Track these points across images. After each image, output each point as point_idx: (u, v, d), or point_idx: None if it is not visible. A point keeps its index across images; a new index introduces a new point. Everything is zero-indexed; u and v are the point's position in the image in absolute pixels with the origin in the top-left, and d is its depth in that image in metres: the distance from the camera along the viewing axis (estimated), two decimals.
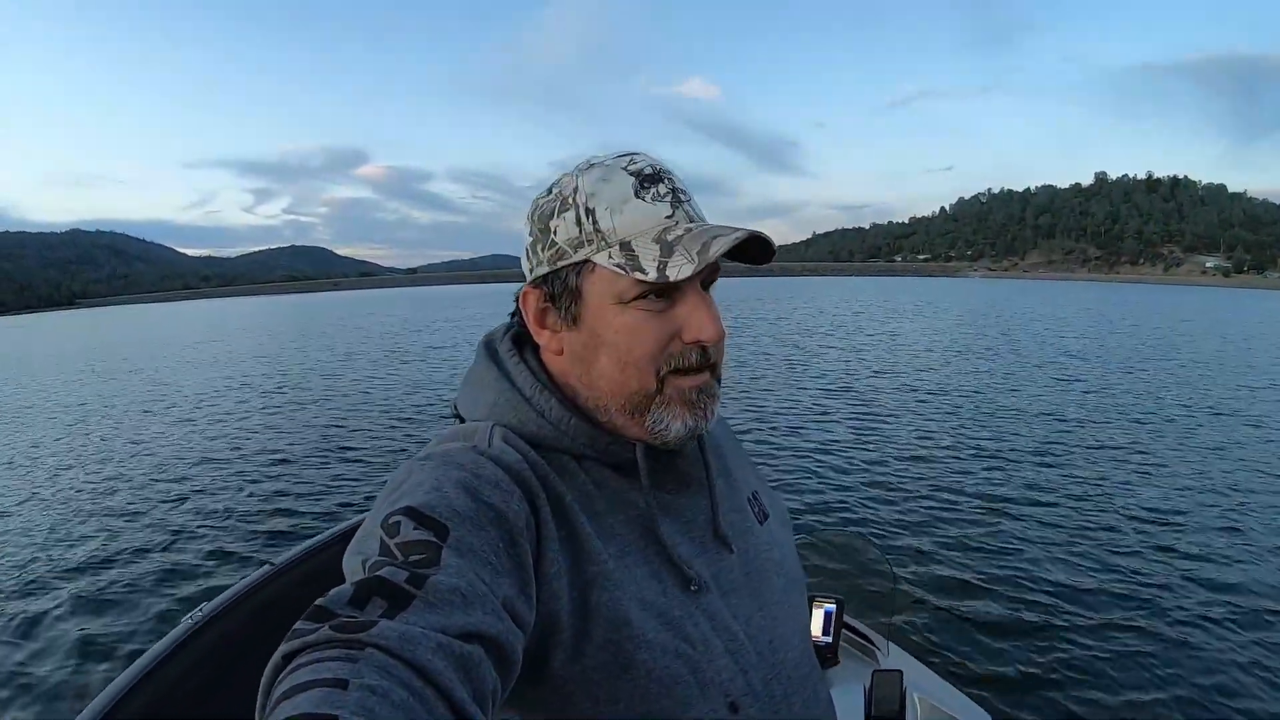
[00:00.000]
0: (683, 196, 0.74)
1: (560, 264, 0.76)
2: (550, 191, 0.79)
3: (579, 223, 0.74)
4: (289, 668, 0.45)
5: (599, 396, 0.77)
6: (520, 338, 0.86)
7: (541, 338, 0.80)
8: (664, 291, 0.72)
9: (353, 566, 0.60)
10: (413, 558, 0.56)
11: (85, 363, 24.81)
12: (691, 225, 0.72)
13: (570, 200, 0.75)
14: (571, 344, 0.78)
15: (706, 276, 0.75)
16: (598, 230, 0.73)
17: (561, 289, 0.77)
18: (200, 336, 36.83)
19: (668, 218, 0.72)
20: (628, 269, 0.71)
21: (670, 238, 0.71)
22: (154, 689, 1.57)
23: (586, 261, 0.74)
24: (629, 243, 0.72)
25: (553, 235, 0.76)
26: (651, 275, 0.69)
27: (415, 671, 0.45)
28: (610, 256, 0.72)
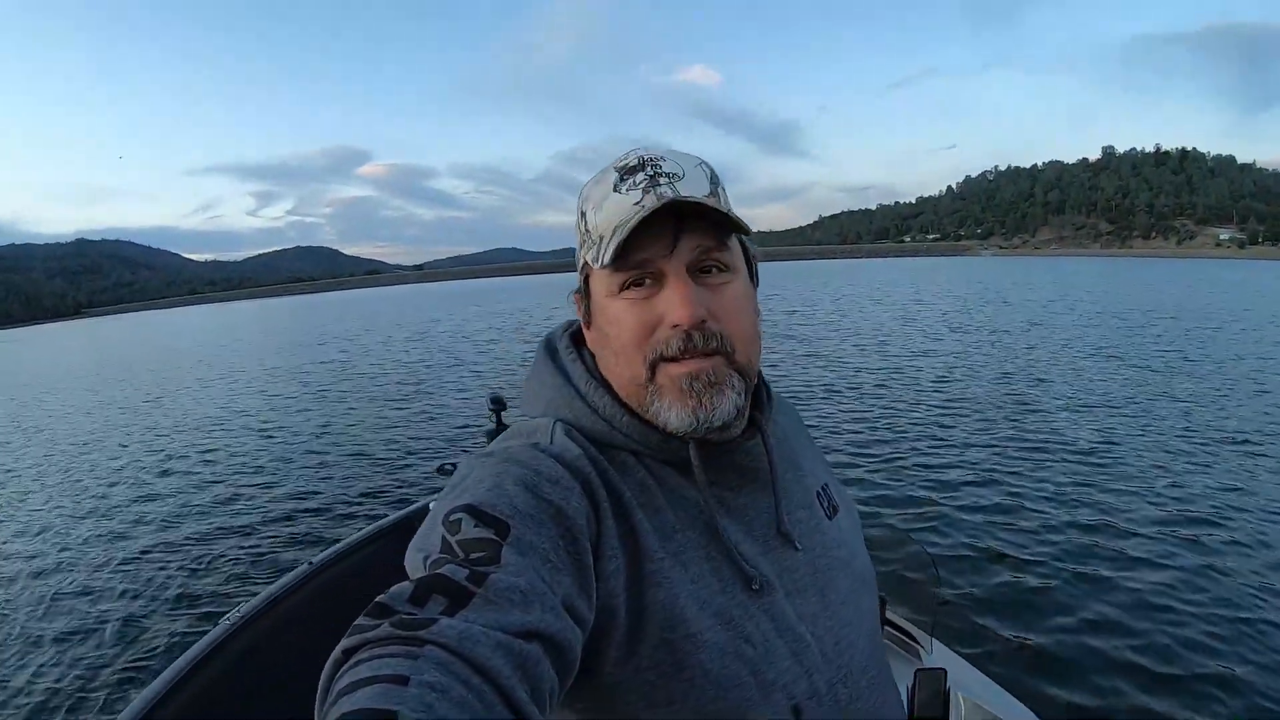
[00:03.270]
0: (663, 180, 0.72)
1: (579, 267, 0.80)
2: None
3: (579, 226, 0.77)
4: (350, 663, 0.45)
5: (618, 390, 0.78)
6: (580, 335, 0.86)
7: (586, 336, 0.83)
8: (646, 279, 0.73)
9: (414, 563, 0.60)
10: (473, 555, 0.56)
11: (99, 373, 24.68)
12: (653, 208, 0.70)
13: (578, 206, 0.78)
14: (594, 340, 0.81)
15: (695, 258, 0.73)
16: (587, 230, 0.75)
17: (584, 289, 0.80)
18: (214, 340, 36.95)
19: (635, 204, 0.71)
20: (594, 262, 0.74)
21: (621, 224, 0.71)
22: (194, 689, 1.59)
23: (585, 262, 0.77)
24: (602, 237, 0.73)
25: (576, 242, 0.80)
26: (598, 264, 0.72)
27: (475, 669, 0.45)
28: (593, 254, 0.74)
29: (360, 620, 0.49)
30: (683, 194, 0.71)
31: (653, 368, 0.73)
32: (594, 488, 0.70)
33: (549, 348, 0.87)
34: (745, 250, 0.80)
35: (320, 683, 0.46)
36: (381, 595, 0.51)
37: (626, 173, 0.74)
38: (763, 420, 0.81)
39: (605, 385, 0.79)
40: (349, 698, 0.41)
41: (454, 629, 0.47)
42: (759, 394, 0.86)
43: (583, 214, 0.76)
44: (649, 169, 0.73)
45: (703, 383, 0.72)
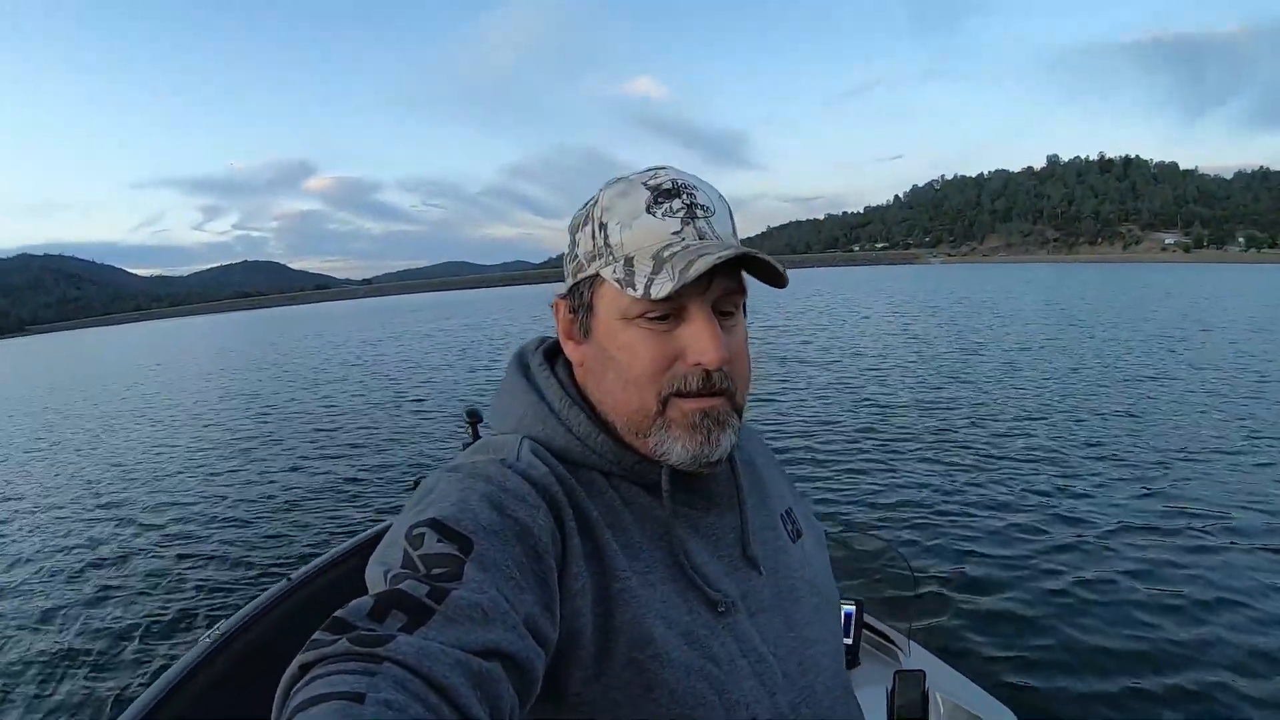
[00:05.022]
0: (700, 213, 0.72)
1: (579, 276, 0.77)
2: (585, 204, 0.78)
3: (593, 236, 0.75)
4: (305, 679, 0.44)
5: (608, 413, 0.76)
6: (553, 350, 0.85)
7: (568, 349, 0.80)
8: (670, 312, 0.71)
9: (375, 576, 0.59)
10: (435, 571, 0.55)
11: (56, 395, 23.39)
12: (695, 243, 0.70)
13: (591, 214, 0.76)
14: (586, 357, 0.78)
15: (717, 297, 0.72)
16: (608, 244, 0.73)
17: (579, 301, 0.77)
18: (164, 359, 36.45)
19: (674, 234, 0.71)
20: (623, 284, 0.70)
21: (666, 254, 0.69)
22: (175, 708, 1.58)
23: (598, 275, 0.74)
24: (632, 258, 0.71)
25: (576, 248, 0.77)
26: (638, 292, 0.69)
27: (432, 687, 0.45)
28: (614, 271, 0.72)
29: (318, 635, 0.48)
30: (716, 229, 0.73)
31: (664, 402, 0.72)
32: (560, 506, 0.70)
33: (521, 362, 0.85)
34: (745, 292, 0.79)
35: (276, 698, 0.45)
36: (340, 610, 0.50)
37: (661, 195, 0.72)
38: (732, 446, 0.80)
39: (580, 404, 0.78)
40: (304, 714, 0.40)
41: (412, 646, 0.46)
42: None
43: (602, 225, 0.74)
44: (685, 196, 0.73)
45: (712, 420, 0.72)
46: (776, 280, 0.73)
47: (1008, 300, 35.26)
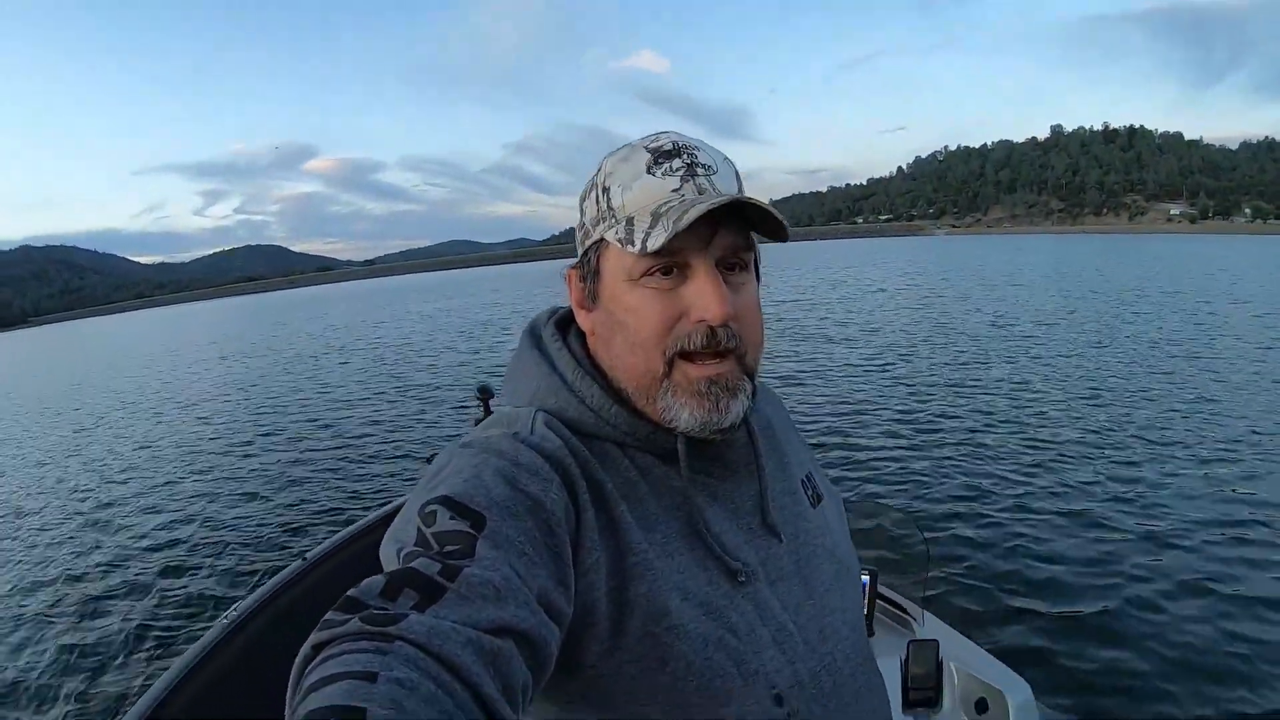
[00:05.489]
0: (700, 171, 0.72)
1: (587, 244, 0.77)
2: (591, 175, 0.78)
3: (597, 202, 0.75)
4: (318, 659, 0.45)
5: (619, 379, 0.76)
6: (565, 321, 0.85)
7: (580, 318, 0.80)
8: (673, 268, 0.71)
9: (388, 554, 0.60)
10: (447, 548, 0.55)
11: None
12: (694, 197, 0.70)
13: (595, 181, 0.76)
14: (596, 324, 0.78)
15: (722, 254, 0.71)
16: (610, 208, 0.73)
17: (587, 269, 0.77)
18: (173, 347, 36.67)
19: (674, 190, 0.70)
20: (624, 244, 0.71)
21: (663, 210, 0.69)
22: (194, 690, 1.61)
23: (603, 240, 0.74)
24: (632, 218, 0.71)
25: (583, 217, 0.78)
26: (636, 248, 0.69)
27: (444, 666, 0.45)
28: (616, 232, 0.72)
29: (330, 615, 0.48)
30: (718, 186, 0.72)
31: (670, 363, 0.72)
32: (574, 480, 0.69)
33: (533, 334, 0.85)
34: (754, 251, 0.78)
35: (290, 678, 0.45)
36: (353, 589, 0.50)
37: (661, 156, 0.72)
38: (748, 411, 0.78)
39: (593, 374, 0.77)
40: (317, 694, 0.41)
41: (424, 625, 0.46)
42: None
43: (605, 189, 0.74)
44: (685, 156, 0.72)
45: (720, 387, 0.72)
46: (778, 232, 0.72)
47: (1020, 271, 35.01)
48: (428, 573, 0.52)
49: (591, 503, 0.69)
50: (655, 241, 0.67)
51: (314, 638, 0.47)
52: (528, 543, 0.59)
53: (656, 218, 0.69)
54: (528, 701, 0.52)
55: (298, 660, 0.46)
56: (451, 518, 0.58)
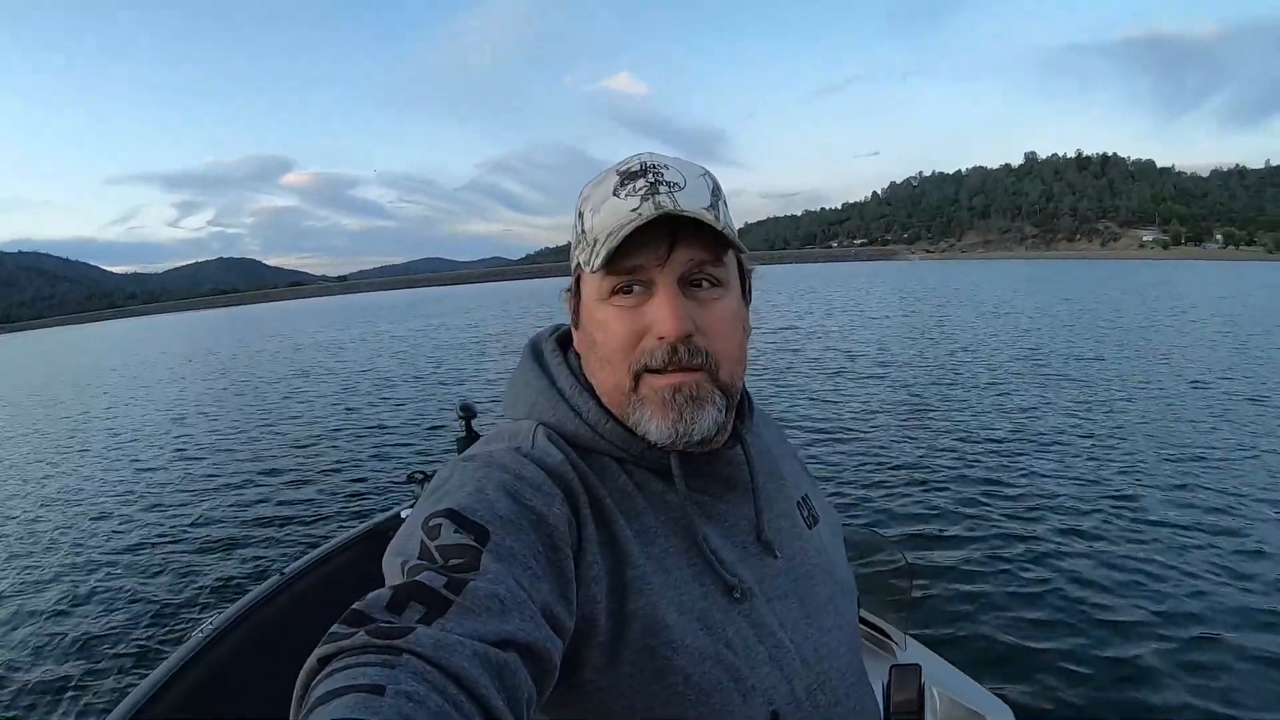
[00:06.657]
0: (663, 189, 0.71)
1: (572, 265, 0.79)
2: None
3: (575, 226, 0.77)
4: (325, 671, 0.45)
5: (602, 396, 0.77)
6: (567, 339, 0.86)
7: (575, 338, 0.82)
8: (634, 286, 0.72)
9: (392, 567, 0.59)
10: (452, 562, 0.55)
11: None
12: (651, 214, 0.70)
13: (576, 206, 0.78)
14: (580, 342, 0.80)
15: (686, 270, 0.72)
16: (583, 231, 0.75)
17: (574, 290, 0.79)
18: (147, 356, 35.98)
19: (633, 210, 0.70)
20: (584, 264, 0.73)
21: (617, 229, 0.70)
22: (169, 701, 1.59)
23: (578, 262, 0.77)
24: (597, 239, 0.72)
25: (570, 240, 0.79)
26: (590, 268, 0.72)
27: (451, 679, 0.45)
28: (584, 254, 0.74)
29: (336, 628, 0.48)
30: (682, 204, 0.70)
31: (636, 377, 0.73)
32: (575, 494, 0.70)
33: (535, 349, 0.86)
34: (740, 266, 0.79)
35: (295, 692, 0.45)
36: (358, 602, 0.51)
37: (627, 177, 0.73)
38: (744, 430, 0.81)
39: (590, 389, 0.78)
40: (324, 707, 0.41)
41: (431, 638, 0.46)
42: (741, 405, 0.84)
43: (580, 214, 0.76)
44: (650, 175, 0.72)
45: (684, 396, 0.71)
46: (732, 245, 0.73)
47: (992, 294, 35.73)
48: (433, 586, 0.52)
49: (592, 517, 0.70)
50: (597, 261, 0.69)
51: (320, 650, 0.47)
52: (531, 556, 0.60)
53: (609, 237, 0.70)
54: (532, 714, 0.52)
55: (302, 673, 0.46)
56: (456, 531, 0.58)
